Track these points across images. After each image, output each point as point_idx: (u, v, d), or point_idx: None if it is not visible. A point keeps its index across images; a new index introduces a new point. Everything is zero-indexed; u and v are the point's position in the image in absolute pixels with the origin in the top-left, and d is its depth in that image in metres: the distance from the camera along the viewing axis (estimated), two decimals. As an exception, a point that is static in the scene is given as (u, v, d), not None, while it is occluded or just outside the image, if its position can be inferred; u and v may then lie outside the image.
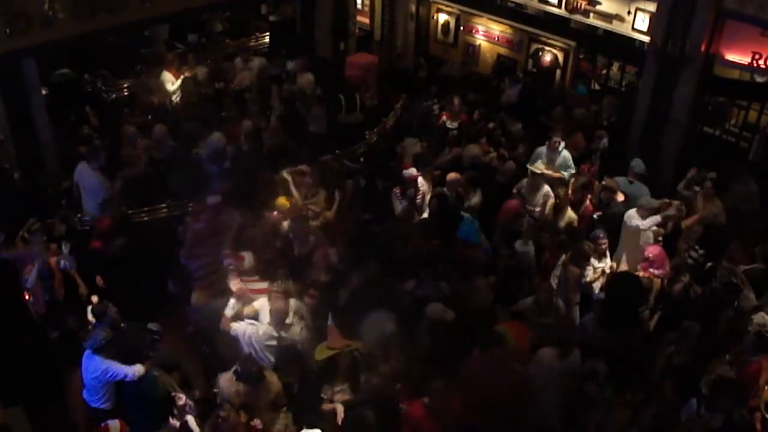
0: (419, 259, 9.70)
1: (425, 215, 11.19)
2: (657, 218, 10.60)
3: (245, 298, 8.70)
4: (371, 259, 9.42)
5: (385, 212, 11.33)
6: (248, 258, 9.29)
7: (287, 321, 8.35)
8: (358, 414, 7.39)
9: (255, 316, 8.52)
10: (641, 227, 10.56)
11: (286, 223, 10.31)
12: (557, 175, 11.88)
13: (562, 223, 11.04)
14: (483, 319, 8.83)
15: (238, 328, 8.33)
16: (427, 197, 11.29)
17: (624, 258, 10.84)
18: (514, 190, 11.57)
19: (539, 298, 9.18)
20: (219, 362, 8.51)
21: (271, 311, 8.34)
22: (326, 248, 9.69)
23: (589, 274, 10.14)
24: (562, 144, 12.15)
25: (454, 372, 7.74)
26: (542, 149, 12.23)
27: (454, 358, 8.04)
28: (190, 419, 7.70)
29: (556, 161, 12.09)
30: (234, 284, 8.80)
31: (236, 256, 9.26)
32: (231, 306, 8.51)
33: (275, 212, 10.50)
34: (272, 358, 8.32)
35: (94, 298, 9.06)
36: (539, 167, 11.57)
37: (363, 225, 10.99)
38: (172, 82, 14.31)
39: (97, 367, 7.86)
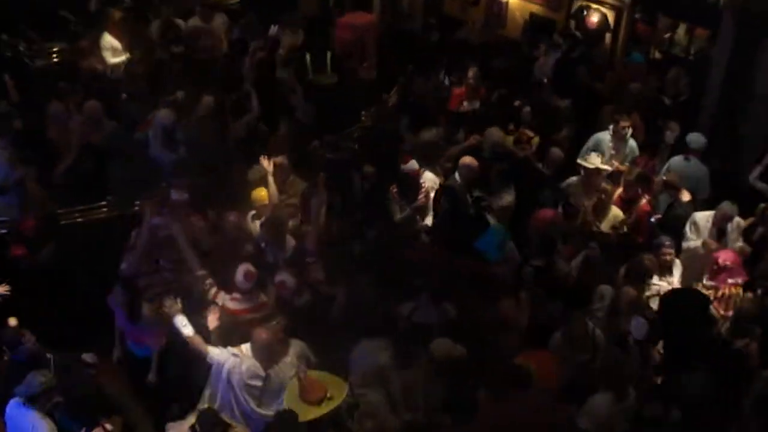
0: (419, 275, 9.70)
1: (429, 219, 11.26)
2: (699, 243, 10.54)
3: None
4: (360, 275, 9.42)
5: (381, 214, 11.29)
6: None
7: (285, 360, 8.26)
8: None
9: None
10: (691, 245, 10.59)
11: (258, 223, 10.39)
12: (624, 168, 11.89)
13: (605, 226, 10.95)
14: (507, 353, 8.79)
15: (219, 355, 8.18)
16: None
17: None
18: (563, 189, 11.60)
19: (572, 331, 9.03)
20: (172, 399, 8.49)
21: (253, 345, 8.19)
22: (283, 272, 9.57)
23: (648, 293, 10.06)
24: (630, 130, 12.11)
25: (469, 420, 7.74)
26: (603, 136, 12.22)
27: (470, 402, 8.03)
28: None
29: (622, 152, 12.09)
30: (211, 319, 8.65)
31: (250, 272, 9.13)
32: (183, 324, 8.34)
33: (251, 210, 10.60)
34: (253, 404, 8.15)
35: (12, 321, 8.96)
36: (594, 161, 11.46)
37: (352, 231, 10.91)
38: (113, 48, 14.23)
39: (28, 425, 7.72)
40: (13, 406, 7.79)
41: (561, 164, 11.95)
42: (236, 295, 9.07)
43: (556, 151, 12.02)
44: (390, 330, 8.76)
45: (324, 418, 7.69)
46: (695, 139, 11.85)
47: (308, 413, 7.62)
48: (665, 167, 11.91)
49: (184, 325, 8.35)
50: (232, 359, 8.15)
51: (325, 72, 14.20)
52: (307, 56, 14.18)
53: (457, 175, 11.24)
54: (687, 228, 10.67)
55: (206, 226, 10.31)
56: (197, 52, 14.74)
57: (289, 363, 8.26)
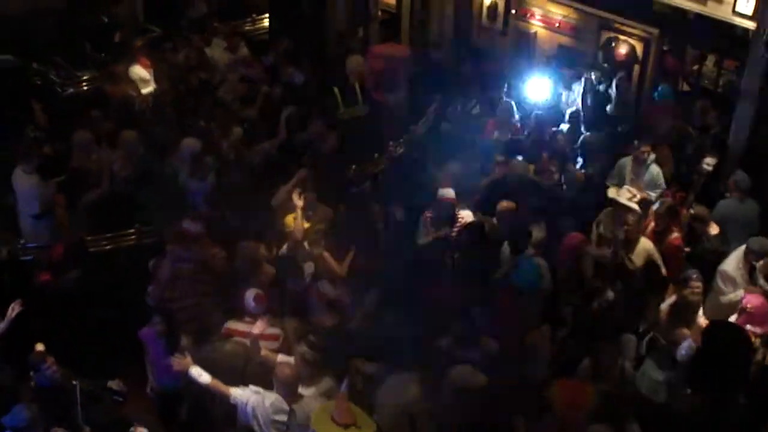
0: (445, 308, 9.64)
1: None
2: (740, 294, 10.23)
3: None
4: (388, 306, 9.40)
5: (406, 245, 11.29)
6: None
7: (304, 393, 8.20)
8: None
9: None
10: (722, 300, 10.42)
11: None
12: (643, 195, 11.79)
13: (636, 259, 10.79)
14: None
15: (241, 395, 8.13)
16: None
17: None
18: (594, 226, 11.55)
19: (600, 360, 8.98)
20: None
21: (276, 377, 8.12)
22: (324, 282, 9.59)
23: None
24: (652, 156, 12.08)
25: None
26: (625, 161, 12.28)
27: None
28: None
29: (643, 177, 12.05)
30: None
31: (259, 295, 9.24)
32: (197, 374, 8.30)
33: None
34: None
35: (39, 347, 8.96)
36: (623, 195, 11.45)
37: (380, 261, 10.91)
38: (141, 79, 14.32)
39: None
40: None
41: (581, 186, 12.01)
42: (248, 318, 9.14)
43: (576, 173, 12.26)
44: (417, 360, 8.66)
45: None
46: (742, 179, 11.73)
47: (332, 431, 7.57)
48: (716, 209, 11.74)
49: (199, 375, 8.31)
50: (255, 397, 8.08)
51: (356, 104, 14.19)
52: (336, 90, 14.13)
53: (495, 219, 11.22)
54: (719, 282, 10.49)
55: (222, 254, 10.33)
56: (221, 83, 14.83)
57: (312, 397, 8.22)
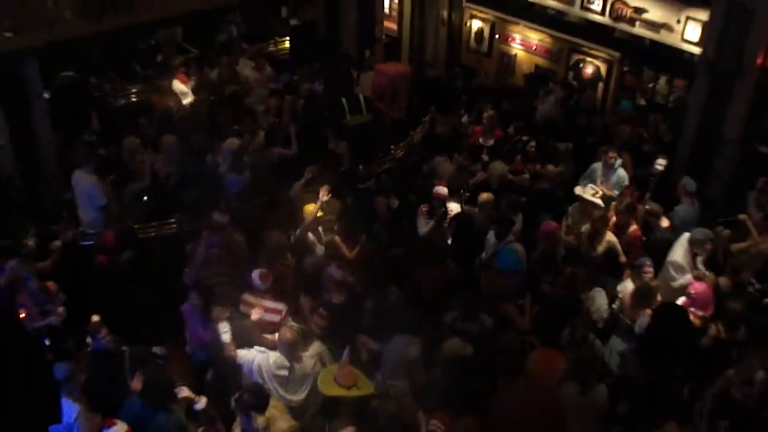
0: (439, 287, 9.69)
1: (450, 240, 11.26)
2: (688, 279, 10.37)
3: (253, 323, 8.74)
4: (390, 285, 9.48)
5: (406, 233, 11.35)
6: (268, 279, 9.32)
7: (304, 355, 8.31)
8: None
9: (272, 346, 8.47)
10: (673, 285, 10.47)
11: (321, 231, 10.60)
12: (609, 193, 11.91)
13: (600, 249, 10.88)
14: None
15: (246, 355, 8.26)
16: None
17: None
18: (564, 218, 11.62)
19: (575, 333, 9.04)
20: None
21: (279, 342, 8.26)
22: (333, 266, 9.68)
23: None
24: (619, 161, 12.17)
25: (478, 408, 7.71)
26: (596, 165, 12.32)
27: (479, 393, 8.00)
28: None
29: (611, 178, 12.14)
30: (255, 313, 8.75)
31: (264, 273, 9.25)
32: (225, 330, 8.43)
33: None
34: (281, 391, 8.17)
35: (94, 318, 9.06)
36: (588, 192, 11.49)
37: (382, 247, 11.00)
38: (181, 92, 14.43)
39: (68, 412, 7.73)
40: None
41: (559, 179, 12.16)
42: (258, 296, 9.18)
43: (552, 168, 12.34)
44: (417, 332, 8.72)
45: (346, 400, 7.77)
46: (689, 183, 11.75)
47: (335, 391, 7.75)
48: (674, 213, 11.71)
49: (224, 331, 8.42)
50: (260, 355, 8.22)
51: (361, 112, 14.28)
52: (343, 100, 14.22)
53: (477, 209, 11.28)
54: (671, 271, 10.52)
55: (241, 239, 10.44)
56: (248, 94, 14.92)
57: (308, 356, 8.36)
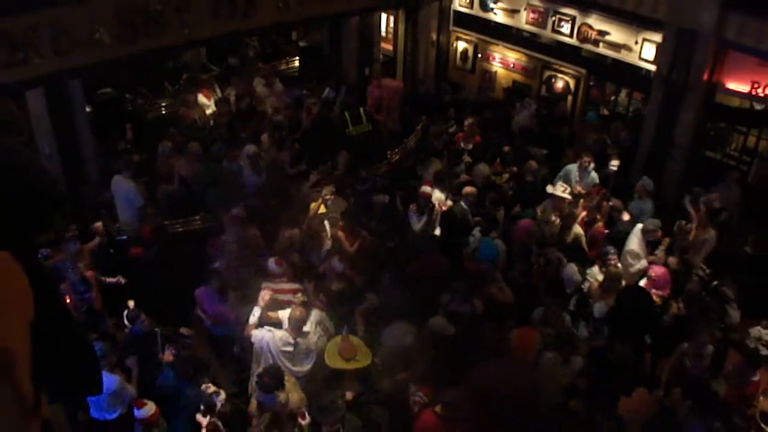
0: (432, 275, 9.68)
1: (437, 232, 11.24)
2: (644, 264, 10.46)
3: (270, 306, 8.72)
4: (388, 274, 9.48)
5: (401, 229, 11.33)
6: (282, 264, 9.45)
7: (305, 329, 8.30)
8: (368, 411, 7.43)
9: (278, 323, 8.47)
10: (631, 270, 10.47)
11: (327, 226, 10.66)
12: (579, 191, 11.92)
13: (568, 239, 10.92)
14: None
15: (257, 334, 8.28)
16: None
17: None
18: (539, 209, 11.57)
19: (548, 312, 8.99)
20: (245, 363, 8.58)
21: (289, 318, 8.28)
22: (335, 258, 9.69)
23: (589, 282, 10.06)
24: (592, 165, 12.18)
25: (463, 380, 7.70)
26: (572, 167, 12.31)
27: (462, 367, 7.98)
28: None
29: (585, 179, 12.15)
30: (264, 294, 8.74)
31: (278, 260, 9.41)
32: (254, 314, 8.46)
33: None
34: (288, 364, 8.19)
35: (131, 303, 9.11)
36: (557, 189, 11.47)
37: (380, 240, 10.99)
38: (205, 104, 14.43)
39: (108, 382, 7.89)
40: None
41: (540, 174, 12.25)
42: (276, 279, 9.28)
43: (533, 163, 12.35)
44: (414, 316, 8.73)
45: (348, 372, 7.85)
46: (647, 183, 11.86)
47: (338, 363, 7.86)
48: (630, 207, 11.76)
49: (253, 314, 8.46)
50: (269, 334, 8.24)
51: (361, 123, 14.28)
52: (346, 113, 14.23)
53: (462, 202, 11.30)
54: (628, 258, 10.54)
55: (256, 233, 10.49)
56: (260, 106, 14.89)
57: (309, 332, 8.36)
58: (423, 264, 9.83)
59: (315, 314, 8.56)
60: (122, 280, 9.91)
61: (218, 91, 14.93)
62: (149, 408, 7.42)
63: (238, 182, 11.81)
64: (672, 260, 10.57)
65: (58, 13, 9.85)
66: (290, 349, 8.20)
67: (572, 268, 10.03)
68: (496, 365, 7.82)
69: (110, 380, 7.79)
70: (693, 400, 7.77)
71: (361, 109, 14.49)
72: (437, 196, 11.50)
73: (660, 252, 10.67)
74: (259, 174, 11.81)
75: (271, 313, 8.61)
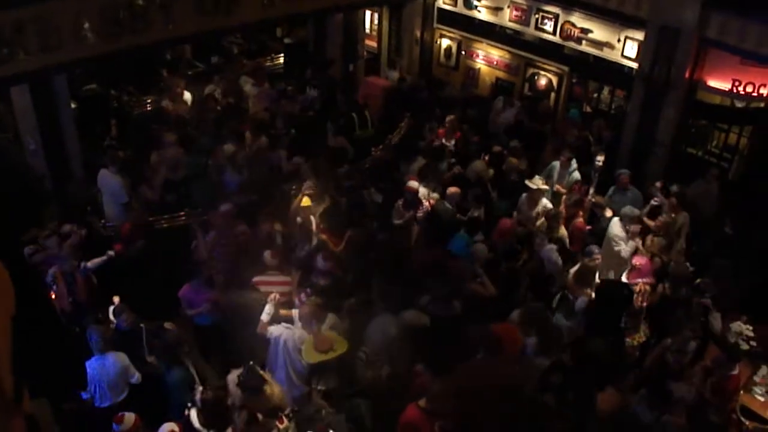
0: (418, 268, 9.69)
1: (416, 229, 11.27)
2: (632, 246, 10.59)
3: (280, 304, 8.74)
4: (377, 268, 9.49)
5: (387, 224, 11.33)
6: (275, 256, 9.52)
7: (318, 326, 8.29)
8: (351, 404, 7.43)
9: (290, 320, 8.50)
10: (623, 254, 10.55)
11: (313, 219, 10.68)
12: (564, 191, 11.96)
13: (554, 236, 10.90)
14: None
15: (275, 331, 8.26)
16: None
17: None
18: (518, 205, 11.63)
19: (528, 312, 8.88)
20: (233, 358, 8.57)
21: (300, 314, 8.34)
22: (320, 257, 9.67)
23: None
24: (574, 163, 12.23)
25: (446, 374, 7.70)
26: (555, 164, 12.38)
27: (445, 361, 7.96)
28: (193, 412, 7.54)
29: (566, 177, 12.19)
30: (274, 295, 8.63)
31: (273, 252, 9.52)
32: (267, 312, 8.39)
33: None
34: (304, 361, 8.15)
35: (116, 299, 9.07)
36: (536, 182, 11.52)
37: (369, 234, 10.95)
38: (188, 101, 14.34)
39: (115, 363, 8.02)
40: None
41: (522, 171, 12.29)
42: (269, 272, 9.35)
43: (513, 161, 12.41)
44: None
45: (327, 363, 7.83)
46: (625, 172, 12.01)
47: (316, 357, 7.84)
48: (607, 196, 12.00)
49: (267, 313, 8.40)
50: (286, 331, 8.25)
51: (367, 127, 14.30)
52: (354, 115, 14.20)
53: (445, 202, 11.31)
54: (613, 244, 10.68)
55: (246, 230, 10.52)
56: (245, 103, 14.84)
57: (325, 330, 8.31)
58: (416, 257, 9.94)
59: (330, 318, 8.53)
60: (111, 253, 9.86)
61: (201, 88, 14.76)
62: (128, 420, 7.24)
63: (220, 180, 11.79)
64: (655, 240, 10.80)
65: (44, 8, 9.76)
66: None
67: (553, 250, 10.13)
68: (481, 360, 7.85)
69: (112, 361, 7.98)
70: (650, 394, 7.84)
71: (367, 113, 14.47)
72: (422, 191, 11.51)
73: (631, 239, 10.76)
74: (239, 172, 11.76)
75: (283, 311, 8.60)
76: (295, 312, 8.58)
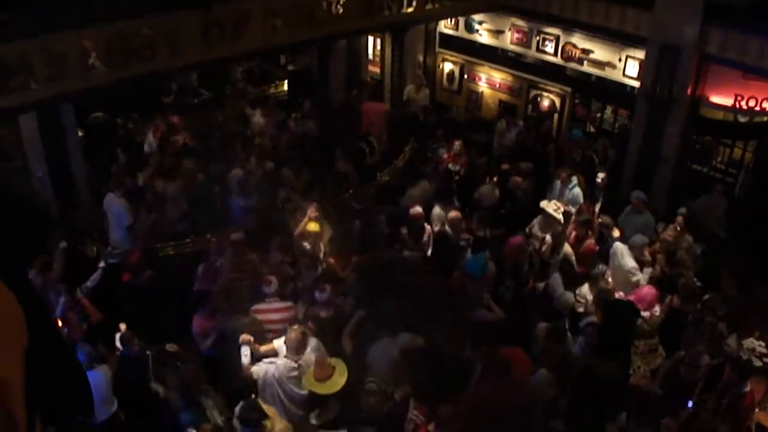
0: (427, 294, 9.53)
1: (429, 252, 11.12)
2: (648, 272, 10.53)
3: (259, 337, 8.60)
4: (386, 295, 9.35)
5: (394, 249, 11.19)
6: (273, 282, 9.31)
7: (307, 351, 8.14)
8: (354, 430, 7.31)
9: (274, 354, 8.30)
10: (641, 280, 10.43)
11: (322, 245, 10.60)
12: (567, 208, 11.73)
13: (558, 257, 10.76)
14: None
15: (259, 370, 8.05)
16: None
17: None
18: (527, 229, 11.44)
19: (553, 329, 8.91)
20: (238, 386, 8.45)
21: (287, 341, 8.10)
22: (320, 289, 9.47)
23: (583, 304, 9.91)
24: (574, 179, 12.11)
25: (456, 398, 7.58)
26: (557, 183, 12.30)
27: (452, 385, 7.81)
28: None
29: (566, 196, 12.07)
30: (244, 336, 8.42)
31: (268, 278, 9.31)
32: (245, 354, 8.22)
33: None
34: (295, 388, 7.98)
35: (122, 326, 8.97)
36: (550, 206, 11.34)
37: (378, 259, 10.82)
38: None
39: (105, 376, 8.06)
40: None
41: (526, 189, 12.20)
42: (269, 299, 9.20)
43: (517, 179, 12.29)
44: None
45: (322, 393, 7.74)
46: (640, 194, 11.82)
47: (316, 387, 7.73)
48: (621, 217, 11.85)
49: (245, 355, 8.22)
50: (271, 367, 8.02)
51: (374, 155, 14.28)
52: (363, 145, 14.19)
53: (448, 227, 11.20)
54: (630, 275, 10.50)
55: (255, 258, 10.38)
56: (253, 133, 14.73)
57: (310, 352, 8.15)
58: (425, 284, 9.73)
59: (312, 341, 8.36)
60: (102, 265, 9.91)
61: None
62: None
63: (228, 205, 11.73)
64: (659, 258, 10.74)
65: (52, 39, 9.75)
66: (296, 373, 7.99)
67: (557, 278, 9.99)
68: (491, 384, 7.74)
69: (102, 375, 8.02)
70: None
71: (374, 141, 14.45)
72: (436, 211, 11.45)
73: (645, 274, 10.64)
74: (248, 197, 11.69)
75: (264, 347, 8.42)
76: (277, 343, 8.37)
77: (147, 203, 11.40)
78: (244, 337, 8.31)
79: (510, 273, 10.24)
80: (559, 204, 11.51)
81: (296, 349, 8.04)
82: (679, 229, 11.12)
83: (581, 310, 9.80)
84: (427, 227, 11.21)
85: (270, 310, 9.08)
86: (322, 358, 7.87)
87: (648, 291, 9.86)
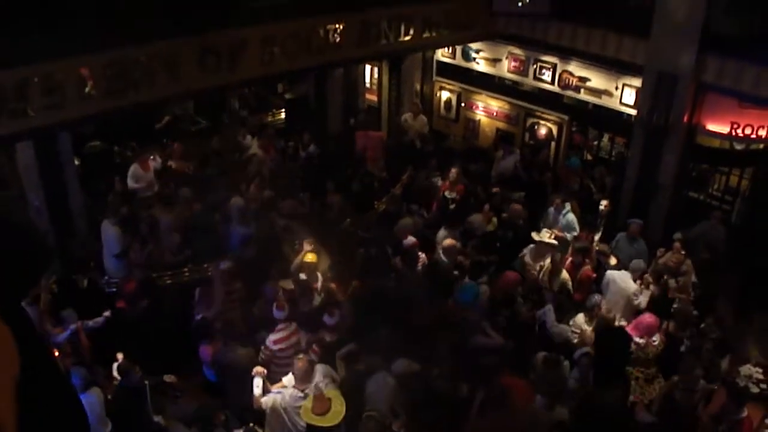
0: (422, 324, 9.51)
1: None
2: (649, 294, 10.51)
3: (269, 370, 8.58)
4: (382, 323, 9.32)
5: (394, 277, 11.16)
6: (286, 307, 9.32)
7: (315, 380, 8.11)
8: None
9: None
10: (642, 306, 10.42)
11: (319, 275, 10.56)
12: (561, 235, 11.74)
13: (555, 286, 10.74)
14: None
15: (267, 401, 8.07)
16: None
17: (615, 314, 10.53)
18: (520, 255, 11.40)
19: (549, 358, 8.90)
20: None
21: (294, 372, 8.13)
22: (326, 315, 9.51)
23: (578, 335, 9.85)
24: (568, 206, 12.08)
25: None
26: (550, 210, 12.28)
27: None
28: None
29: (560, 221, 12.04)
30: (257, 368, 8.40)
31: (280, 304, 9.31)
32: (257, 385, 8.18)
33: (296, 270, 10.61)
34: (304, 419, 7.92)
35: (119, 356, 8.91)
36: (543, 236, 11.28)
37: (377, 286, 10.79)
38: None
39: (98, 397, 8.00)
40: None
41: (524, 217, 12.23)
42: (279, 327, 9.16)
43: (517, 207, 12.33)
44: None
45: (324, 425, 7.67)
46: (638, 223, 11.89)
47: (314, 420, 7.65)
48: (613, 244, 11.92)
49: (257, 386, 8.19)
50: (278, 396, 8.07)
51: (372, 185, 14.33)
52: (369, 178, 14.33)
53: (442, 255, 11.18)
54: (633, 299, 10.54)
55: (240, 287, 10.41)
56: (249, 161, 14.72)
57: (317, 380, 8.13)
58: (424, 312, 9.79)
59: (322, 368, 8.38)
60: (107, 314, 9.81)
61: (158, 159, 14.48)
62: None
63: (225, 234, 11.70)
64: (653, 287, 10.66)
65: (48, 66, 9.75)
66: (301, 402, 7.96)
67: (550, 311, 9.94)
68: (491, 415, 7.70)
69: (95, 396, 7.96)
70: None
71: (371, 170, 14.58)
72: (441, 234, 11.56)
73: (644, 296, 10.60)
74: (247, 225, 11.67)
75: (274, 387, 8.39)
76: (285, 380, 8.36)
77: (142, 234, 11.32)
78: (258, 369, 8.30)
79: (504, 304, 10.20)
80: (550, 231, 11.52)
81: (303, 378, 8.05)
82: (683, 253, 11.15)
83: (576, 341, 9.74)
84: (422, 256, 11.19)
85: (281, 339, 9.11)
86: (319, 392, 7.81)
87: (649, 319, 9.80)
